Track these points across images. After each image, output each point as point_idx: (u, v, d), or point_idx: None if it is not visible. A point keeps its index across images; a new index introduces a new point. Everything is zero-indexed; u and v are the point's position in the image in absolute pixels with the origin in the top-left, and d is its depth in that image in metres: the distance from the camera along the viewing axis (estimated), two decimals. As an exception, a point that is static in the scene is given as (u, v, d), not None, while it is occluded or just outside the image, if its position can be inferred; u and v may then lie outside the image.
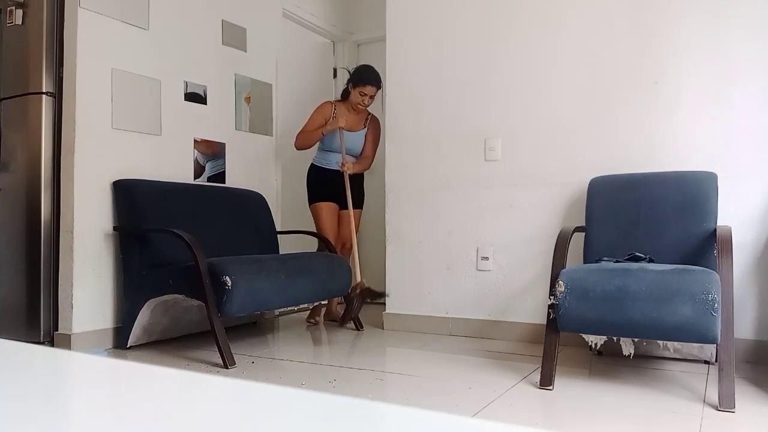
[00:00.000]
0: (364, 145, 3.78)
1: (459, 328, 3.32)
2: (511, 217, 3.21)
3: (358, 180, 3.81)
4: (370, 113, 3.81)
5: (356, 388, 2.25)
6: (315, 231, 3.73)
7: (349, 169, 3.67)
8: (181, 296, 2.77)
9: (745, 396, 2.09)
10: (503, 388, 2.22)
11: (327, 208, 3.72)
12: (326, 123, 3.67)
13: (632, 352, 2.63)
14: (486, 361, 2.68)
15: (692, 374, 2.42)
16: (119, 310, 2.99)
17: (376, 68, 3.71)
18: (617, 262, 2.43)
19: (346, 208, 3.67)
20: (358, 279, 3.54)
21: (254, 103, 3.92)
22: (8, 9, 2.98)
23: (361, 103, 3.66)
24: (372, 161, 3.83)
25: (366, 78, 3.66)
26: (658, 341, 2.60)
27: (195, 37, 3.48)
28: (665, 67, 2.87)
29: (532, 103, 3.18)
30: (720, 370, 1.99)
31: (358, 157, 3.77)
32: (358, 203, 3.80)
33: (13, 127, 2.98)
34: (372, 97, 3.68)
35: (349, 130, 3.70)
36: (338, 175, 3.66)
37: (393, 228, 3.56)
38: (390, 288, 3.55)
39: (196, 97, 3.48)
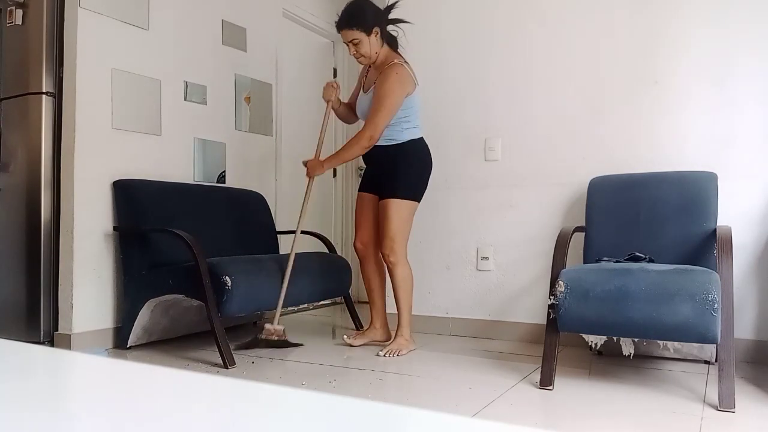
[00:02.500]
0: None
1: (459, 328, 3.32)
2: (511, 217, 3.21)
3: (390, 154, 2.80)
4: (395, 60, 2.79)
5: (356, 388, 2.25)
6: (314, 231, 3.72)
7: (314, 172, 2.83)
8: (181, 296, 2.77)
9: (745, 396, 2.09)
10: (503, 388, 2.22)
11: (358, 200, 2.99)
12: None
13: (632, 352, 2.63)
14: (486, 361, 2.68)
15: (692, 374, 2.42)
16: (119, 310, 2.99)
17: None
18: (617, 262, 2.43)
19: (385, 196, 2.80)
20: (275, 323, 2.90)
21: (254, 103, 3.92)
22: (8, 9, 2.98)
23: (354, 56, 2.82)
24: (372, 128, 2.70)
25: (337, 23, 2.78)
26: (658, 341, 2.60)
27: (195, 37, 3.48)
28: (665, 68, 2.87)
29: (532, 103, 3.18)
30: (720, 370, 1.99)
31: None
32: (395, 189, 2.78)
33: (13, 127, 2.98)
34: (355, 44, 2.73)
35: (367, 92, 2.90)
36: (373, 152, 2.81)
37: (393, 228, 3.56)
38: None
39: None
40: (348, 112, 3.07)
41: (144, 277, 2.87)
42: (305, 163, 2.88)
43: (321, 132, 2.95)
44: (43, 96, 2.89)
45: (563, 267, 2.35)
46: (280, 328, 2.91)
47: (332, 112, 3.01)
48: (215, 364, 2.61)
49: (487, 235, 3.28)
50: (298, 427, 0.40)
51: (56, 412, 0.46)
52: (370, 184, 2.93)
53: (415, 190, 2.82)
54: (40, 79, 2.89)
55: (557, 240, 2.47)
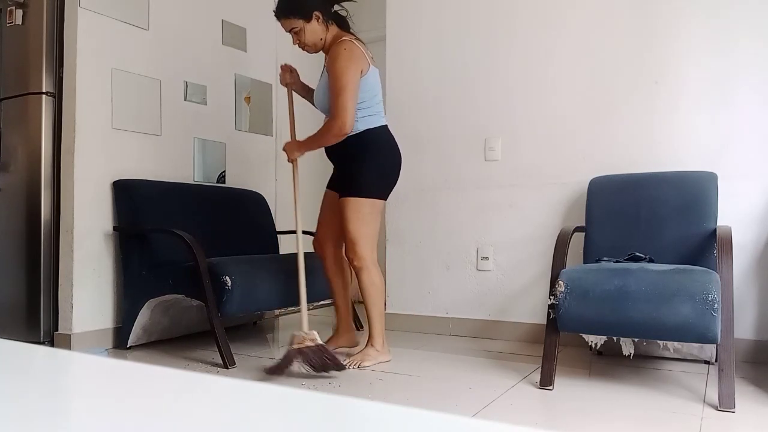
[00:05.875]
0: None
1: (459, 328, 3.32)
2: (511, 217, 3.21)
3: (347, 147, 2.54)
4: (343, 38, 2.55)
5: (356, 388, 2.25)
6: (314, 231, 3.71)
7: (292, 154, 2.61)
8: (181, 296, 2.77)
9: (745, 396, 2.09)
10: (503, 388, 2.22)
11: (324, 197, 2.78)
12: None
13: (632, 352, 2.63)
14: (486, 361, 2.68)
15: (692, 374, 2.42)
16: (119, 310, 2.99)
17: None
18: (617, 262, 2.43)
19: (342, 193, 2.57)
20: (305, 328, 2.45)
21: (254, 103, 3.92)
22: (8, 9, 2.98)
23: (298, 46, 2.62)
24: (341, 114, 2.42)
25: (275, 12, 2.60)
26: (658, 341, 2.60)
27: (195, 37, 3.48)
28: (665, 67, 2.87)
29: (532, 102, 3.18)
30: (720, 370, 1.99)
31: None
32: (351, 186, 2.54)
33: (13, 127, 2.98)
34: (296, 32, 2.54)
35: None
36: (332, 146, 2.60)
37: (393, 228, 3.56)
38: (390, 288, 3.55)
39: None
40: None
41: (144, 277, 2.87)
42: (284, 148, 2.68)
43: (289, 116, 2.76)
44: (43, 96, 2.89)
45: (563, 267, 2.35)
46: (312, 333, 2.43)
47: (299, 97, 2.84)
48: (215, 364, 2.61)
49: (487, 235, 3.28)
50: (298, 428, 0.40)
51: (56, 412, 0.46)
52: (334, 180, 2.70)
53: (375, 187, 2.53)
54: (40, 79, 2.89)
55: (557, 240, 2.47)
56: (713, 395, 2.06)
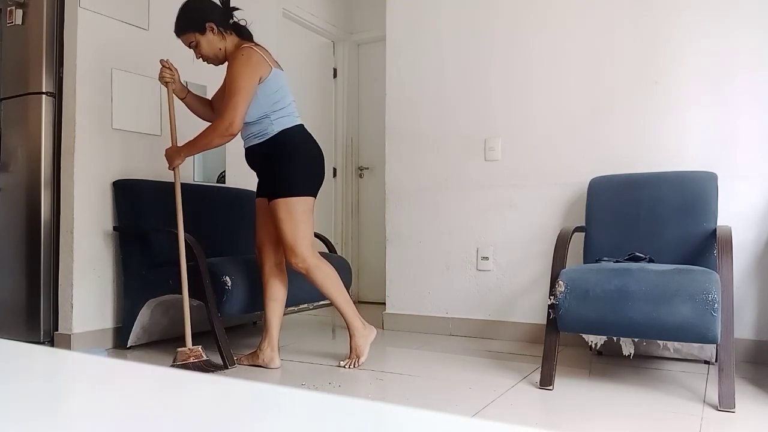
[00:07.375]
0: None
1: (459, 328, 3.32)
2: (511, 217, 3.21)
3: (265, 152, 2.51)
4: (242, 45, 2.56)
5: (356, 388, 2.25)
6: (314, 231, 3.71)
7: (173, 162, 2.64)
8: (181, 296, 2.76)
9: (745, 396, 2.09)
10: (503, 388, 2.22)
11: (255, 206, 2.72)
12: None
13: (632, 352, 2.63)
14: (486, 361, 2.68)
15: (692, 374, 2.42)
16: (119, 310, 2.99)
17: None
18: (617, 262, 2.43)
19: (271, 197, 2.52)
20: (188, 344, 2.55)
21: (254, 103, 3.91)
22: (8, 9, 2.98)
23: (201, 59, 2.65)
24: (231, 113, 2.39)
25: (174, 31, 2.66)
26: (658, 341, 2.60)
27: (195, 37, 3.47)
28: (665, 68, 2.87)
29: (532, 103, 3.18)
30: (720, 370, 1.99)
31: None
32: (278, 188, 2.49)
33: (13, 127, 2.98)
34: (194, 47, 2.58)
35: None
36: (249, 153, 2.59)
37: (393, 228, 3.56)
38: (390, 288, 3.55)
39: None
40: (203, 107, 2.79)
41: (144, 277, 2.87)
42: (165, 154, 2.67)
43: (170, 118, 2.69)
44: (43, 96, 2.89)
45: (563, 267, 2.35)
46: (196, 348, 2.55)
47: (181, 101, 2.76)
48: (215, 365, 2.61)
49: (487, 235, 3.28)
50: (298, 428, 0.40)
51: (56, 413, 0.46)
52: (260, 187, 2.64)
53: (302, 185, 2.49)
54: (40, 79, 2.89)
55: (557, 240, 2.47)
56: (713, 395, 2.06)
